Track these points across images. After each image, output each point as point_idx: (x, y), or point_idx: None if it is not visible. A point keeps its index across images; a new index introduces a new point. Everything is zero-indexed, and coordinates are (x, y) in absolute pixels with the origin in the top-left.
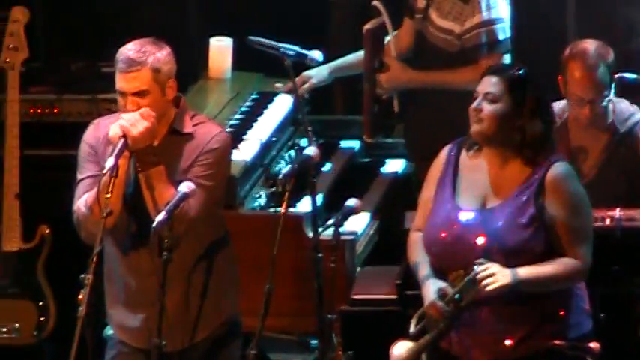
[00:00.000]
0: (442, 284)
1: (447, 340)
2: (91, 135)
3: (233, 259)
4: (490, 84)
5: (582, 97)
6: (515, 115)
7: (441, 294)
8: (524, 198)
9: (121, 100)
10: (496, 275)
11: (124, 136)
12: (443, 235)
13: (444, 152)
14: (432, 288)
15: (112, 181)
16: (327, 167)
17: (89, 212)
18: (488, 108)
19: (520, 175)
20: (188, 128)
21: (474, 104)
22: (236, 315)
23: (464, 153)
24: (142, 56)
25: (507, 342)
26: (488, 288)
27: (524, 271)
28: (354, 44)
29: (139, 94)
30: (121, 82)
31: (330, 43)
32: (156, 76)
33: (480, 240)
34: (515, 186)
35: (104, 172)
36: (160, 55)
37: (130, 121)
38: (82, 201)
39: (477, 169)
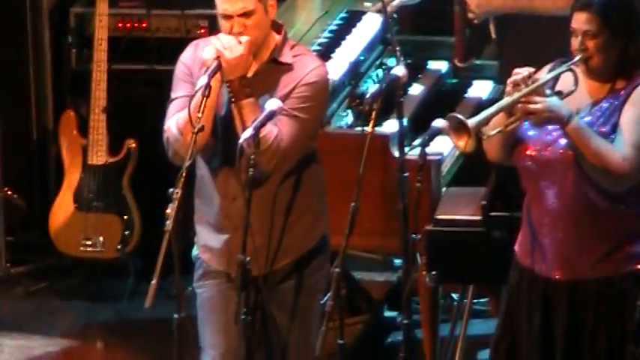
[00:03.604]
0: None
1: (528, 259)
2: (188, 55)
3: (322, 180)
4: (584, 21)
5: None
6: (617, 41)
7: None
8: (611, 108)
9: (225, 24)
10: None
11: (218, 57)
12: (534, 147)
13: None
14: None
15: (204, 100)
16: (415, 88)
17: (178, 132)
18: (591, 44)
19: (613, 88)
20: (288, 58)
21: (577, 45)
22: (325, 234)
23: (563, 68)
24: None
25: (586, 259)
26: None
27: (580, 122)
28: None
29: (246, 15)
30: (225, 5)
31: None
32: None
33: (562, 142)
34: (606, 96)
35: (196, 89)
36: None
37: (225, 45)
38: (172, 120)
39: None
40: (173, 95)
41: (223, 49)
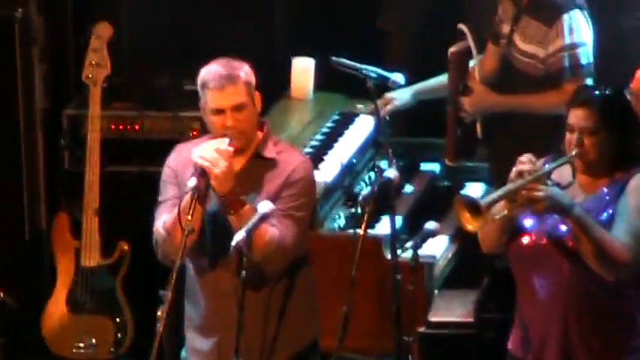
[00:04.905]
0: None
1: (521, 352)
2: (172, 159)
3: (313, 281)
4: (583, 118)
5: (632, 88)
6: (614, 139)
7: None
8: (608, 197)
9: (217, 120)
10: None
11: (204, 171)
12: (528, 238)
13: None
14: None
15: (194, 202)
16: (409, 189)
17: (167, 234)
18: (590, 141)
19: (608, 179)
20: (272, 154)
21: (575, 142)
22: (316, 338)
23: (562, 160)
24: (233, 71)
25: (584, 352)
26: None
27: (582, 211)
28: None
29: (238, 108)
30: (218, 100)
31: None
32: (249, 90)
33: (559, 231)
34: (601, 187)
35: (186, 190)
36: (247, 69)
37: (211, 160)
38: (160, 222)
39: (568, 177)
40: (161, 198)
41: (211, 166)
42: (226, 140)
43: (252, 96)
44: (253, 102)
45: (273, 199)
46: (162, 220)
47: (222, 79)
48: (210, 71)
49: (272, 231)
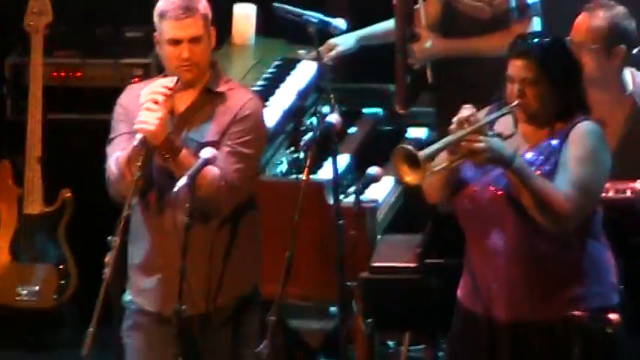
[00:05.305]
0: None
1: (470, 301)
2: (124, 97)
3: (258, 226)
4: (522, 68)
5: (573, 39)
6: (555, 89)
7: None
8: (551, 147)
9: (172, 51)
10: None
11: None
12: (474, 189)
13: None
14: None
15: (143, 152)
16: (352, 130)
17: (118, 172)
18: (529, 91)
19: (552, 128)
20: (222, 89)
21: (514, 91)
22: (256, 284)
23: (504, 110)
24: (192, 3)
25: (529, 300)
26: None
27: (523, 163)
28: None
29: (195, 40)
30: (175, 31)
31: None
32: (206, 23)
33: (501, 183)
34: (545, 136)
35: (135, 144)
36: (205, 2)
37: (143, 120)
38: (112, 159)
39: (511, 128)
40: (112, 135)
41: (143, 125)
42: (175, 78)
43: (208, 30)
44: (209, 36)
45: (222, 133)
46: (115, 156)
47: (180, 10)
48: (169, 1)
49: (212, 170)
